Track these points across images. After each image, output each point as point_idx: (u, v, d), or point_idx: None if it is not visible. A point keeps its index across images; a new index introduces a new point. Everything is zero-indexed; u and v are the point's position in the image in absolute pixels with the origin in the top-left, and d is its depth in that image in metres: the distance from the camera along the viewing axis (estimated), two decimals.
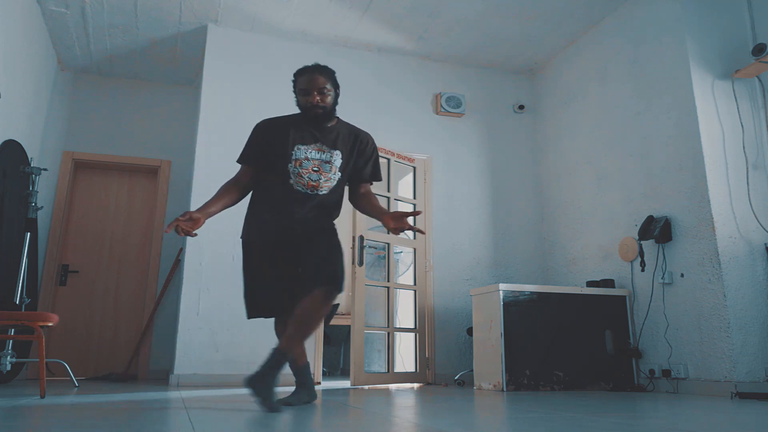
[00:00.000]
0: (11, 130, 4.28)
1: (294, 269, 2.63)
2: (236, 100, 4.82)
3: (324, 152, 2.60)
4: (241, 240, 2.71)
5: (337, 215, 2.74)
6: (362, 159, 2.71)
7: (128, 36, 5.02)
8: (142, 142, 5.55)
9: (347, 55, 5.21)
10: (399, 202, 5.18)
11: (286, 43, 5.08)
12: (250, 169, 2.66)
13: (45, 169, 4.53)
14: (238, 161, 2.67)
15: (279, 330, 2.66)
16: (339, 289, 2.47)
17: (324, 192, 2.59)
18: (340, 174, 2.63)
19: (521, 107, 5.57)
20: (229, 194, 2.60)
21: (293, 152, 2.56)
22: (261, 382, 2.24)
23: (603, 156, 4.70)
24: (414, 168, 5.14)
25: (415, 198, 5.07)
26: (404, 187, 5.92)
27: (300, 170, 2.55)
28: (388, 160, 4.84)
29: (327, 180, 2.58)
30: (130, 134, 5.55)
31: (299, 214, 2.57)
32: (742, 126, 3.94)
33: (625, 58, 4.55)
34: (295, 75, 2.64)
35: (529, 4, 4.62)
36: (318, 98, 2.55)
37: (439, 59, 5.43)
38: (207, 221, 4.62)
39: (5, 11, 3.92)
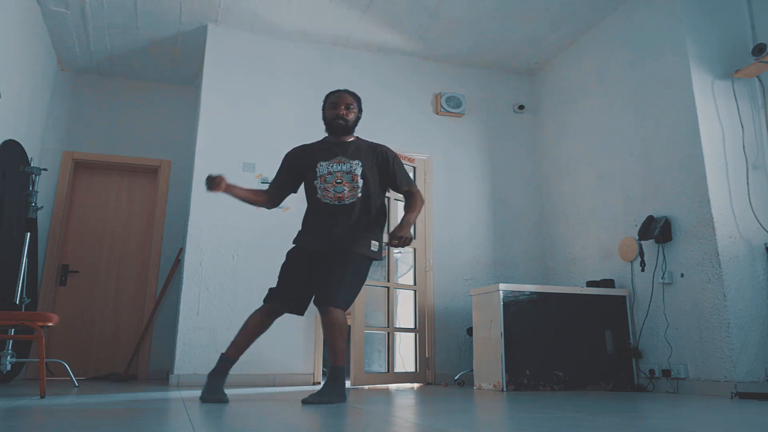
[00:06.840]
0: (11, 130, 4.28)
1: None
2: (236, 100, 4.82)
3: (344, 163, 2.88)
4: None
5: (377, 229, 2.92)
6: (389, 168, 2.97)
7: (128, 36, 5.02)
8: (142, 142, 5.55)
9: (347, 55, 5.21)
10: (399, 202, 5.18)
11: (286, 43, 5.08)
12: (270, 190, 3.03)
13: (45, 169, 4.53)
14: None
15: (259, 315, 2.81)
16: (344, 309, 2.72)
17: (351, 201, 2.83)
18: (362, 181, 2.86)
19: (521, 107, 5.57)
20: (255, 193, 3.02)
21: (317, 169, 2.89)
22: (327, 396, 2.66)
23: (603, 156, 4.70)
24: (414, 168, 5.13)
25: None
26: None
27: (325, 185, 2.88)
28: None
29: (351, 189, 2.84)
30: (130, 134, 5.55)
31: (334, 228, 2.81)
32: (742, 126, 3.94)
33: (625, 58, 4.55)
34: (327, 95, 3.05)
35: (529, 4, 4.61)
36: (344, 112, 2.95)
37: (439, 59, 5.43)
38: (208, 223, 4.65)
39: (5, 11, 3.91)
